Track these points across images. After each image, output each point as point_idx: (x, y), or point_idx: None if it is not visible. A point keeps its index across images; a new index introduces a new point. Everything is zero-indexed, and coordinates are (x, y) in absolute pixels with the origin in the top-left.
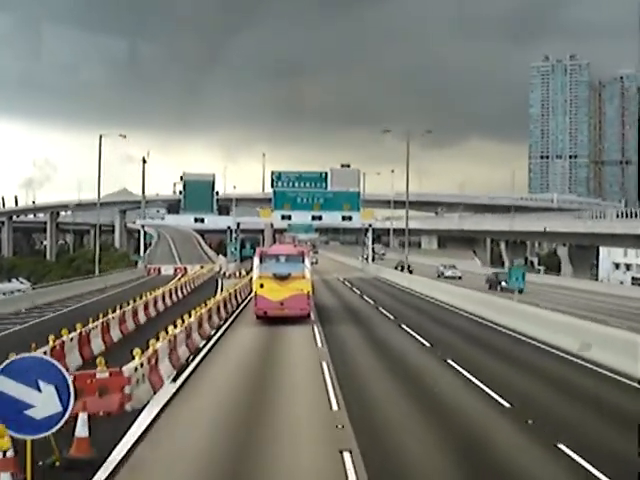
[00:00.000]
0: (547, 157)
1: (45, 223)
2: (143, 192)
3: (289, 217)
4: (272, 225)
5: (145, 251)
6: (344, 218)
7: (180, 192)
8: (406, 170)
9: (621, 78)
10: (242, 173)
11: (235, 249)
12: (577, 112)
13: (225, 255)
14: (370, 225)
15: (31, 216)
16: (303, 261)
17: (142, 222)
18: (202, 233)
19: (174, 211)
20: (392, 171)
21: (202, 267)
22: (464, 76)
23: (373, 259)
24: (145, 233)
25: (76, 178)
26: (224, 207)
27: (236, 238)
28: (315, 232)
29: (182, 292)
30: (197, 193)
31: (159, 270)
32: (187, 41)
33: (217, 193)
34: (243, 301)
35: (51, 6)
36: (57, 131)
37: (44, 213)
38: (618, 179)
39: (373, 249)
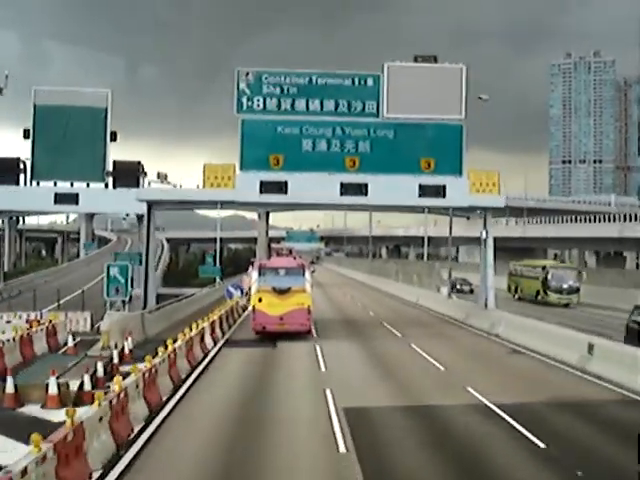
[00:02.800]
0: (569, 162)
1: (3, 230)
2: None
3: (283, 187)
4: (267, 233)
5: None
6: (425, 191)
7: (26, 133)
8: None
9: None
10: None
11: (124, 275)
12: (602, 113)
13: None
14: (484, 211)
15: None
16: (304, 274)
17: None
18: (187, 241)
19: (9, 179)
20: None
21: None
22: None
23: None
24: (96, 237)
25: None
26: (130, 173)
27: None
28: (320, 241)
29: None
30: (66, 137)
31: None
32: (184, 53)
33: (114, 136)
34: None
35: (53, 24)
36: None
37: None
38: None
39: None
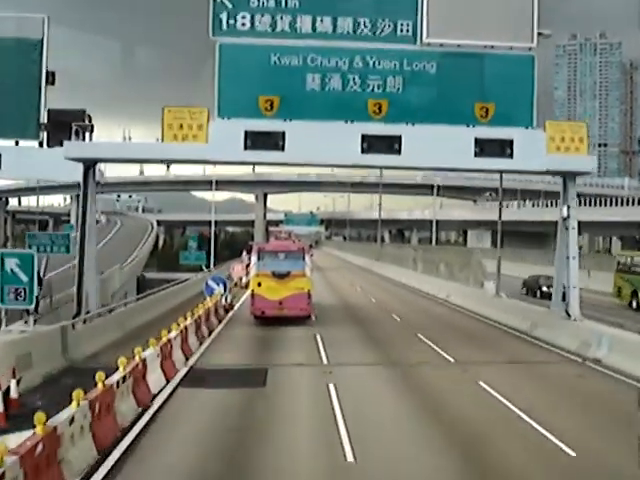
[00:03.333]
0: None
1: None
2: None
3: (279, 140)
4: (265, 215)
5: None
6: (483, 148)
7: None
8: None
9: None
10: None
11: (27, 270)
12: (607, 96)
13: None
14: (565, 177)
15: None
16: (303, 258)
17: None
18: (182, 224)
19: None
20: None
21: None
22: None
23: None
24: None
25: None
26: (61, 122)
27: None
28: (320, 224)
29: None
30: None
31: None
32: (185, 37)
33: (51, 78)
34: None
35: (50, 8)
36: None
37: None
38: None
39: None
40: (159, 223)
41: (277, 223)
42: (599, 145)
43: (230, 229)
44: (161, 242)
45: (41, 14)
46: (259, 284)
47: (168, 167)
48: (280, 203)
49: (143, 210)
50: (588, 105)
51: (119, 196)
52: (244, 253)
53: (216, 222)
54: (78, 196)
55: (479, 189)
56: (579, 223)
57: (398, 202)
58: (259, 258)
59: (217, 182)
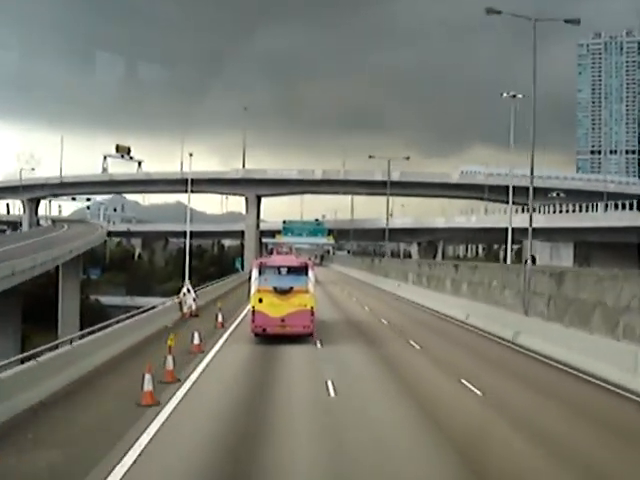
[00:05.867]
0: (599, 152)
1: None
2: None
3: None
4: (258, 225)
5: None
6: None
7: None
8: None
9: None
10: None
11: None
12: (635, 99)
13: None
14: None
15: None
16: (307, 274)
17: None
18: (164, 235)
19: None
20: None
21: None
22: (463, 80)
23: None
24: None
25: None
26: None
27: None
28: (328, 235)
29: None
30: None
31: None
32: (184, 50)
33: None
34: None
35: (53, 24)
36: (51, 133)
37: None
38: None
39: None
40: (131, 234)
41: (274, 234)
42: (627, 152)
43: (227, 242)
44: (136, 257)
45: None
46: (260, 300)
47: (139, 165)
48: (277, 212)
49: (108, 219)
50: (614, 108)
51: (74, 199)
52: (185, 286)
53: (206, 234)
54: (30, 201)
55: (534, 190)
56: None
57: (423, 206)
58: (260, 273)
59: (196, 181)
